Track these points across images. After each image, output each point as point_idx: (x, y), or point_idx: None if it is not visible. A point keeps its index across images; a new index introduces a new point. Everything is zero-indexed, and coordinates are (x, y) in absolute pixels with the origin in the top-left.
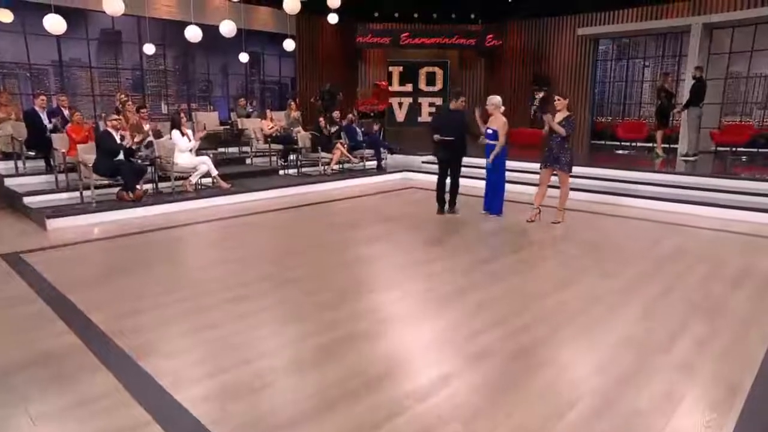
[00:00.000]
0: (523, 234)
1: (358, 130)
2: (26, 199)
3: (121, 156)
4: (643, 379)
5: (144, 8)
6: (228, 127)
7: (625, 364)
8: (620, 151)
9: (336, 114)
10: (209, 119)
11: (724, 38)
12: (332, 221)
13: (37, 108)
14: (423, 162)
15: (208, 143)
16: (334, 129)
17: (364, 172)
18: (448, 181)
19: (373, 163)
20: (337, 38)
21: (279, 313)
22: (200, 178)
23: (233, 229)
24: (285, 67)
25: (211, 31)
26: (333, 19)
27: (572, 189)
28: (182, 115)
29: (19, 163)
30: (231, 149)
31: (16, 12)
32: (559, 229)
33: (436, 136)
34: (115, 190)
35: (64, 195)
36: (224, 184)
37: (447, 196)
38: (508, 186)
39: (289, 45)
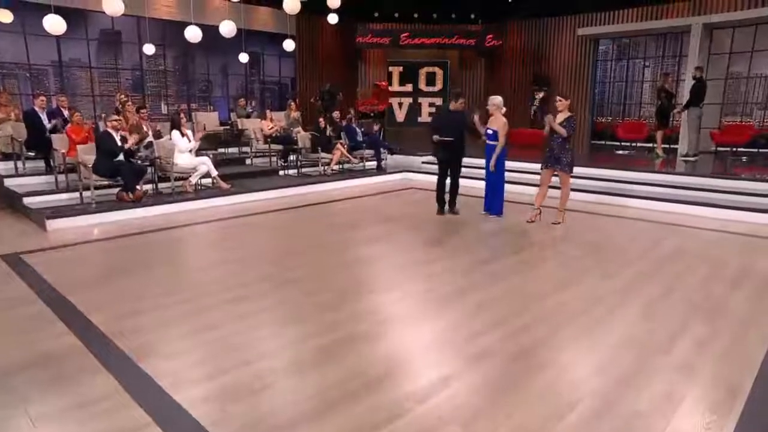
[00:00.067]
0: (524, 234)
1: (358, 130)
2: (26, 200)
3: (121, 157)
4: (643, 380)
5: (144, 8)
6: (228, 127)
7: (625, 365)
8: (620, 152)
9: (336, 114)
10: (209, 119)
11: (725, 38)
12: (332, 222)
13: (36, 108)
14: (423, 162)
15: (207, 143)
16: (333, 129)
17: (364, 173)
18: (448, 181)
19: (373, 164)
20: (337, 38)
21: (279, 314)
22: (200, 178)
23: (233, 229)
24: (285, 68)
25: (211, 32)
26: (333, 19)
27: (572, 189)
28: (182, 115)
29: (19, 164)
30: (231, 150)
31: (15, 12)
32: (560, 229)
33: (436, 137)
34: (115, 190)
35: (64, 195)
36: (224, 185)
37: (447, 197)
38: (508, 186)
39: (289, 45)
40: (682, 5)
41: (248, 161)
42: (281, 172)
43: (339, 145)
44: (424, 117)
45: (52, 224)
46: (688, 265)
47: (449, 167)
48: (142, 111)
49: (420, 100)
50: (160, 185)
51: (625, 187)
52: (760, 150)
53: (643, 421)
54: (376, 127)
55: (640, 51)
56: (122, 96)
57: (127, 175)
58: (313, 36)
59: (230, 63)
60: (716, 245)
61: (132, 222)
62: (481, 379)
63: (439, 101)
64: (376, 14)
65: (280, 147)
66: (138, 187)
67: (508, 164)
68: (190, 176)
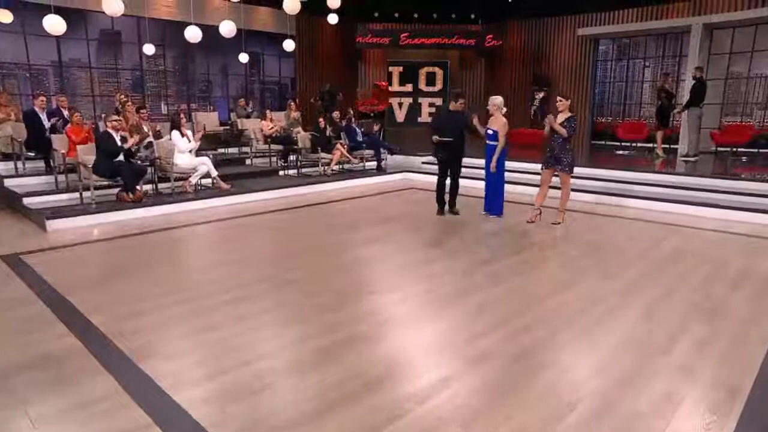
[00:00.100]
0: (524, 235)
1: (358, 130)
2: (26, 200)
3: (121, 157)
4: (643, 381)
5: (144, 9)
6: (228, 127)
7: (626, 365)
8: (620, 152)
9: (336, 114)
10: (209, 120)
11: (725, 38)
12: (332, 222)
13: (36, 108)
14: (423, 162)
15: (207, 144)
16: (333, 129)
17: (364, 173)
18: (448, 181)
19: (372, 164)
20: (337, 38)
21: (279, 314)
22: (200, 178)
23: (233, 230)
24: (285, 68)
25: (210, 32)
26: (333, 19)
27: (573, 190)
28: (182, 116)
29: (19, 164)
30: (231, 150)
31: (15, 12)
32: (560, 229)
33: (435, 137)
34: (115, 191)
35: (64, 196)
36: (224, 185)
37: (447, 197)
38: (508, 187)
39: (288, 45)
40: (682, 5)
41: (248, 161)
42: (281, 173)
43: (339, 146)
44: (424, 117)
45: (52, 225)
46: (688, 266)
47: (449, 167)
48: (142, 111)
49: (420, 100)
50: (160, 185)
51: (625, 187)
52: (761, 150)
53: (643, 421)
54: (376, 128)
55: (640, 51)
56: (122, 96)
57: (127, 175)
58: (313, 36)
59: (230, 63)
60: (716, 246)
61: (132, 222)
62: (481, 380)
63: (439, 101)
64: (376, 14)
65: (280, 147)
66: (138, 187)
67: (508, 164)
68: (190, 176)
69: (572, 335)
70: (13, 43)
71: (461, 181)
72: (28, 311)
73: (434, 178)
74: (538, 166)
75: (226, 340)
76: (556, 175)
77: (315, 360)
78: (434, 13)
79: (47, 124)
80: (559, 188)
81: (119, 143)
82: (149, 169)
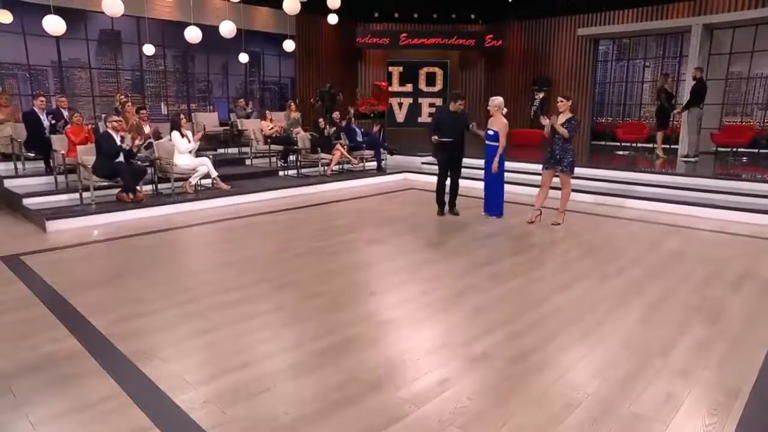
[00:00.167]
0: (524, 236)
1: (357, 130)
2: (26, 201)
3: (121, 157)
4: (642, 383)
5: (143, 9)
6: (228, 127)
7: (625, 367)
8: (620, 152)
9: (336, 115)
10: (209, 120)
11: (725, 39)
12: (332, 223)
13: (36, 109)
14: (423, 163)
15: (207, 144)
16: (333, 130)
17: (364, 173)
18: (448, 182)
19: (372, 164)
20: (337, 38)
21: (279, 316)
22: (200, 179)
23: (233, 231)
24: (285, 68)
25: (210, 32)
26: (333, 19)
27: (573, 190)
28: (182, 116)
29: (19, 165)
30: (231, 150)
31: (15, 13)
32: (560, 230)
33: (434, 137)
34: (115, 191)
35: (64, 196)
36: (224, 186)
37: (447, 198)
38: (508, 187)
39: (288, 45)
40: (682, 5)
41: (248, 162)
42: (281, 173)
43: (339, 146)
44: (424, 117)
45: (52, 225)
46: (688, 267)
47: (449, 168)
48: (142, 111)
49: (420, 100)
50: (160, 186)
51: (625, 187)
52: (761, 151)
53: (642, 423)
54: (376, 128)
55: (641, 51)
56: (122, 96)
57: (127, 176)
58: (313, 36)
59: (230, 63)
60: (716, 246)
61: (132, 223)
62: (480, 382)
63: (439, 101)
64: (376, 14)
65: (279, 148)
66: (138, 188)
67: (508, 165)
68: (190, 177)
69: (572, 337)
70: (13, 43)
71: (461, 182)
72: (29, 313)
73: (434, 179)
74: (537, 167)
75: (226, 342)
76: (557, 176)
77: (315, 362)
78: (434, 13)
79: (47, 125)
80: (559, 189)
81: (119, 144)
82: (149, 170)
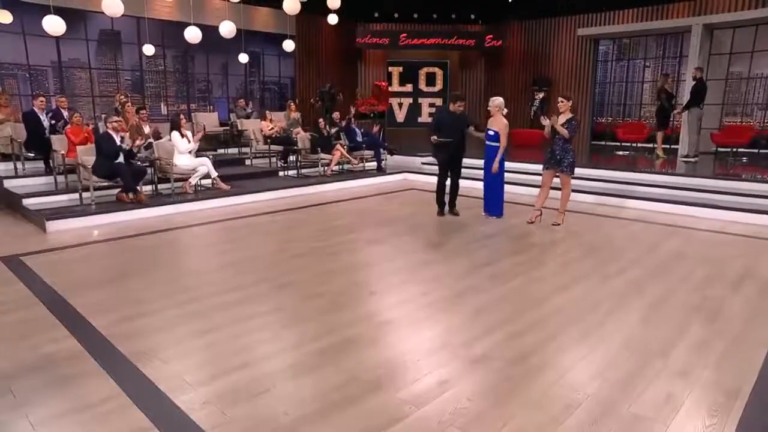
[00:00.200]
0: (524, 236)
1: (357, 131)
2: (25, 201)
3: (121, 158)
4: (642, 384)
5: (143, 9)
6: (227, 128)
7: (625, 368)
8: (621, 152)
9: (336, 115)
10: (209, 120)
11: (725, 39)
12: (332, 223)
13: (36, 109)
14: (423, 163)
15: (207, 144)
16: (333, 130)
17: (364, 174)
18: (448, 182)
19: (372, 165)
20: (337, 39)
21: (278, 317)
22: (200, 179)
23: (233, 231)
24: (285, 68)
25: (210, 32)
26: (333, 19)
27: (573, 190)
28: (182, 117)
29: (19, 165)
30: (230, 150)
31: (15, 13)
32: (560, 230)
33: (434, 138)
34: (115, 191)
35: (64, 197)
36: (224, 186)
37: (447, 198)
38: (508, 187)
39: (288, 46)
40: (683, 5)
41: (248, 162)
42: (281, 173)
43: (339, 146)
44: (424, 117)
45: (52, 226)
46: (688, 267)
47: (449, 168)
48: (141, 112)
49: (420, 100)
50: (160, 186)
51: (626, 188)
52: (761, 151)
53: (642, 424)
54: (375, 128)
55: (641, 51)
56: (122, 97)
57: (127, 176)
58: (313, 36)
59: (230, 63)
60: (716, 247)
61: (132, 223)
62: (480, 383)
63: (439, 101)
64: (376, 14)
65: (279, 148)
66: (139, 188)
67: (508, 165)
68: (190, 177)
69: (572, 337)
70: (13, 43)
71: (461, 182)
72: (28, 313)
73: (434, 179)
74: (537, 167)
75: (226, 342)
76: (557, 176)
77: (315, 362)
78: (434, 13)
79: (47, 125)
80: (559, 189)
81: (119, 144)
82: (149, 170)
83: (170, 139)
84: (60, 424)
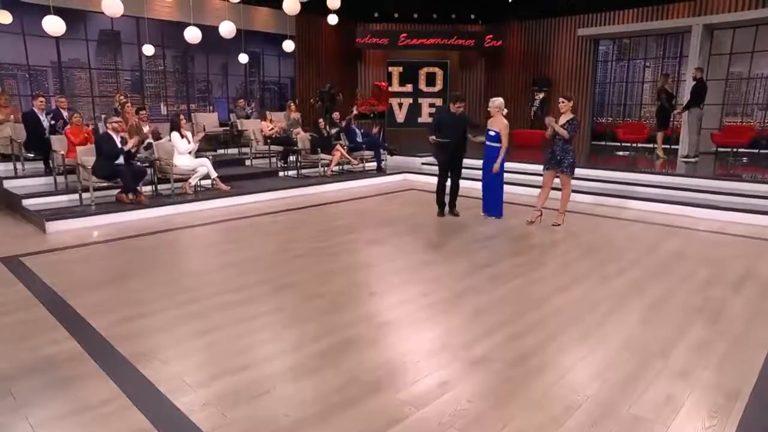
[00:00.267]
0: (524, 237)
1: (357, 131)
2: (25, 202)
3: (120, 159)
4: (642, 385)
5: (143, 9)
6: (227, 128)
7: (625, 369)
8: (621, 153)
9: (336, 115)
10: (209, 120)
11: (725, 39)
12: (332, 224)
13: (36, 109)
14: (423, 163)
15: (207, 145)
16: (333, 130)
17: (364, 174)
18: (448, 183)
19: (372, 165)
20: (336, 39)
21: (278, 317)
22: (200, 180)
23: (232, 231)
24: (284, 68)
25: (210, 32)
26: (333, 20)
27: (573, 191)
28: (182, 117)
29: (18, 165)
30: (230, 151)
31: (15, 13)
32: (560, 231)
33: (432, 138)
34: (115, 192)
35: (64, 197)
36: (224, 186)
37: (447, 198)
38: (507, 187)
39: (288, 46)
40: (683, 6)
41: (248, 162)
42: (281, 174)
43: (339, 147)
44: (424, 118)
45: (52, 226)
46: (688, 268)
47: (449, 169)
48: (141, 112)
49: (420, 100)
50: (160, 187)
51: (626, 188)
52: (761, 151)
53: (642, 426)
54: (375, 128)
55: (641, 51)
56: (121, 97)
57: (127, 176)
58: (313, 36)
59: (230, 63)
60: (716, 247)
61: (131, 224)
62: (480, 384)
63: (439, 102)
64: (376, 14)
65: (279, 148)
66: (139, 188)
67: (508, 165)
68: (190, 178)
69: (572, 338)
70: (13, 43)
71: (461, 182)
72: (28, 314)
73: (434, 180)
74: (537, 167)
75: (226, 343)
76: (558, 177)
77: (315, 363)
78: (434, 14)
79: (47, 125)
80: (560, 190)
81: (119, 145)
82: (149, 171)
83: (170, 140)
84: (60, 425)
